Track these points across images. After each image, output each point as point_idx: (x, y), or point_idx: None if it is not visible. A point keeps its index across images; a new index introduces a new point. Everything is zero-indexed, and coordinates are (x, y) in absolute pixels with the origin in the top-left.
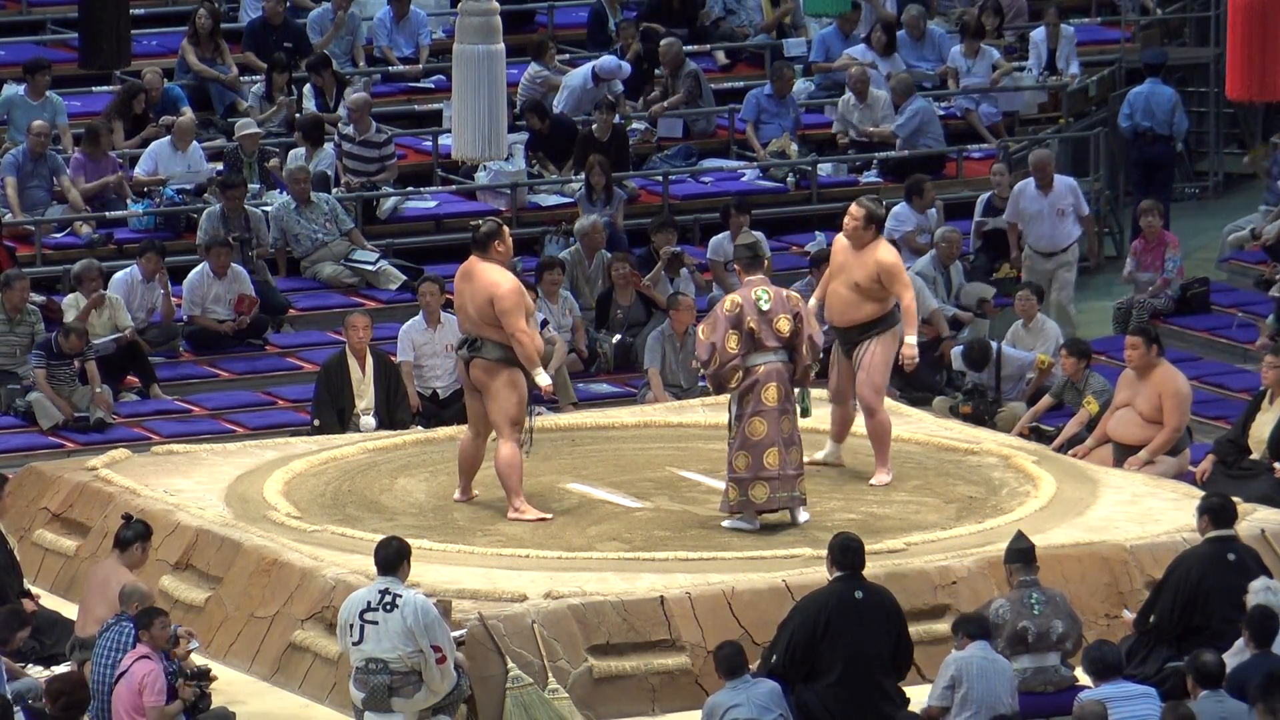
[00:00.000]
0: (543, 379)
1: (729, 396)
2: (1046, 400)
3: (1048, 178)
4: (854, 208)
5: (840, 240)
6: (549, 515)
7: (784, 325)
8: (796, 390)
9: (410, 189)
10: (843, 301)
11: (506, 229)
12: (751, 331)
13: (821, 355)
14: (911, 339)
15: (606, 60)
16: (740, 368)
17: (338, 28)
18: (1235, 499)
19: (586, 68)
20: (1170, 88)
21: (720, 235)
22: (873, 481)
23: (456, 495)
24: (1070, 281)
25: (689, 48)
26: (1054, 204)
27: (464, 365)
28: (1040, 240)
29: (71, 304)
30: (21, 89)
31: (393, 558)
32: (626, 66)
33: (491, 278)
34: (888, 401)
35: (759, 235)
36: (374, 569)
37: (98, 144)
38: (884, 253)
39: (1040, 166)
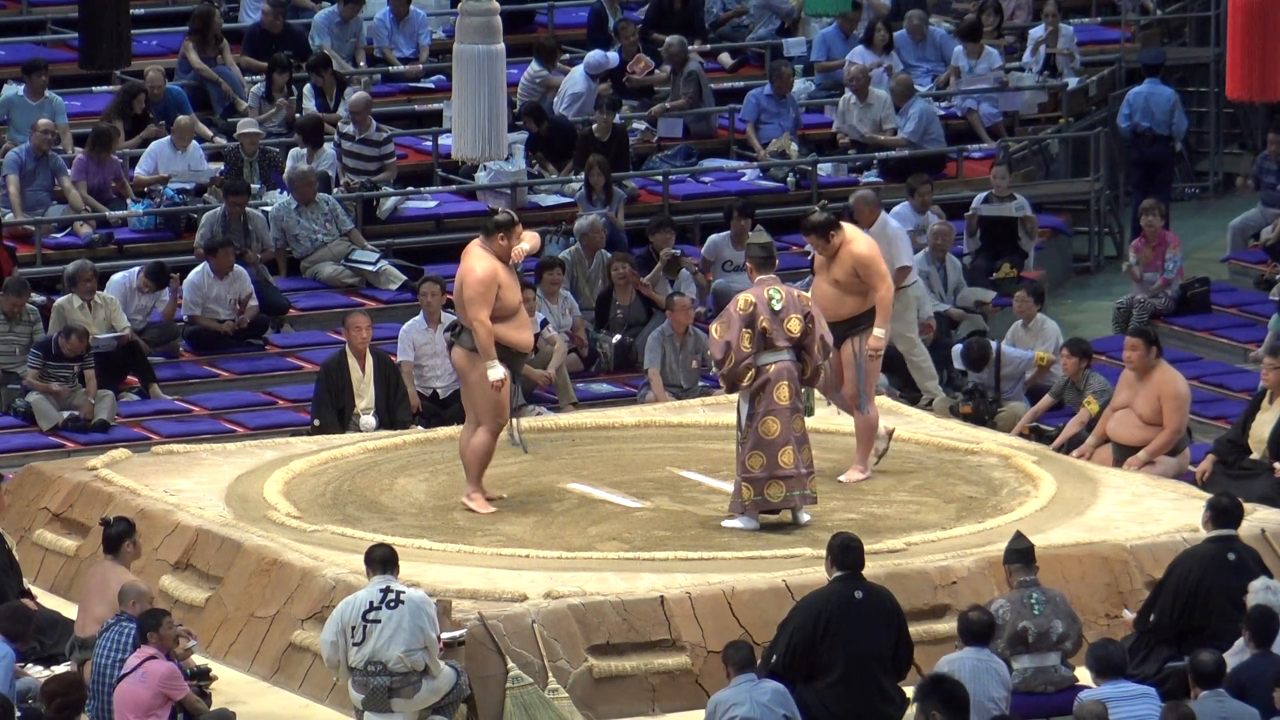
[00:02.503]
0: (494, 372)
1: (737, 396)
2: (1047, 400)
3: (861, 218)
4: (806, 237)
5: None
6: (494, 509)
7: (794, 325)
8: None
9: (410, 189)
10: (826, 298)
11: (520, 227)
12: (764, 331)
13: (832, 354)
14: (880, 332)
15: (592, 55)
16: (753, 366)
17: (347, 38)
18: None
19: (578, 71)
20: (1169, 87)
21: (719, 235)
22: (842, 478)
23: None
24: (908, 337)
25: (691, 47)
26: None
27: (449, 350)
28: None
29: (64, 305)
30: (21, 89)
31: (390, 556)
32: (614, 56)
33: (468, 263)
34: (887, 402)
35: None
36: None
37: (106, 148)
38: (858, 245)
39: (855, 206)
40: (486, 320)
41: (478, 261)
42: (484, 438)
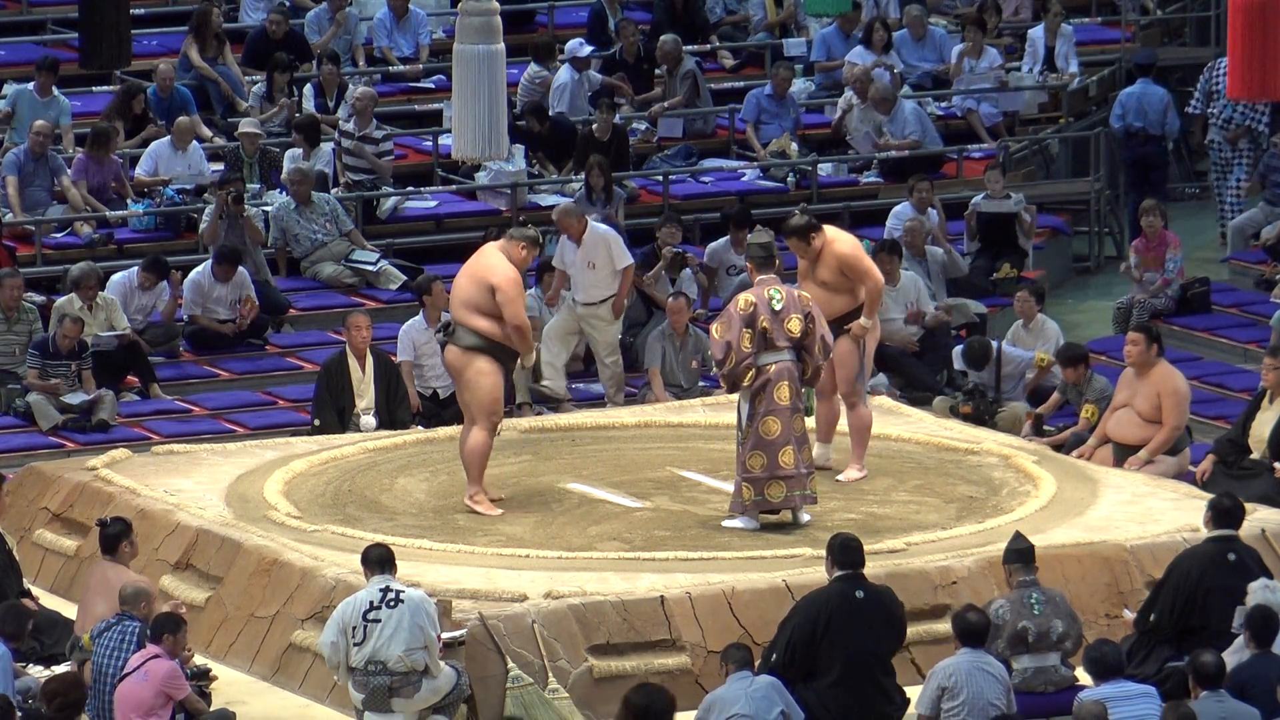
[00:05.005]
0: (531, 358)
1: (738, 396)
2: (1056, 398)
3: (571, 231)
4: (786, 241)
5: None
6: (499, 511)
7: (795, 325)
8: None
9: (410, 189)
10: (816, 300)
11: (542, 243)
12: (764, 331)
13: (831, 354)
14: (866, 322)
15: (572, 44)
16: (754, 366)
17: (338, 27)
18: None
19: (563, 67)
20: (1162, 87)
21: (719, 241)
22: (840, 478)
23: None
24: (606, 341)
25: (692, 47)
26: (586, 256)
27: (441, 350)
28: (575, 290)
29: (65, 306)
30: (31, 86)
31: (387, 556)
32: (588, 46)
33: (489, 261)
34: (887, 402)
35: (771, 234)
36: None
37: (105, 148)
38: (841, 244)
39: (559, 221)
40: (525, 317)
41: (501, 261)
42: (481, 437)
